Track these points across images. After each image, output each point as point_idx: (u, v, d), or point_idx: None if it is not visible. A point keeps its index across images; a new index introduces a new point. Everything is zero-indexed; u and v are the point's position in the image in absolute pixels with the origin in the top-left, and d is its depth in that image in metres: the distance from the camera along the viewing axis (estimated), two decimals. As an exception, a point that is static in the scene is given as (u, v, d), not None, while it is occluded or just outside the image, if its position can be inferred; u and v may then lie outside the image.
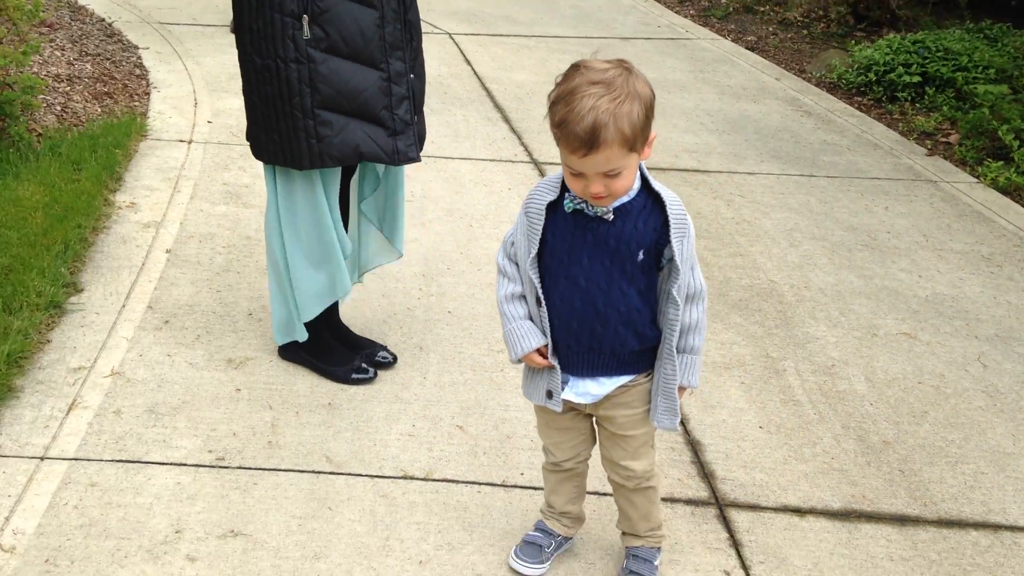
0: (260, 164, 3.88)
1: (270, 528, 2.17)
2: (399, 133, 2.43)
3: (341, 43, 2.30)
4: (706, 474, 2.48)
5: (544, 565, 2.12)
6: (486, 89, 5.33)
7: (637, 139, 1.68)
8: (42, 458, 2.32)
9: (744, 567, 2.18)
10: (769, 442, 2.61)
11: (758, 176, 4.45)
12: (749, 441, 2.61)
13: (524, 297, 1.92)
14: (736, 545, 2.24)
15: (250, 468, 2.35)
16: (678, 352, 1.89)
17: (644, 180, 1.81)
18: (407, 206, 3.78)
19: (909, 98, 5.54)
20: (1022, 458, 2.62)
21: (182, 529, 2.15)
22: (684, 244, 1.80)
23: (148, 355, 2.75)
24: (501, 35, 6.47)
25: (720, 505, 2.37)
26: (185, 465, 2.34)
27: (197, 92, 4.85)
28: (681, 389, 1.92)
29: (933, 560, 2.23)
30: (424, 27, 6.19)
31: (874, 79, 5.69)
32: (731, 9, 7.65)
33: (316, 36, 2.28)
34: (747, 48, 6.74)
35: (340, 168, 2.53)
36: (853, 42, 6.46)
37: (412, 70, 2.45)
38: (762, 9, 7.63)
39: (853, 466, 2.54)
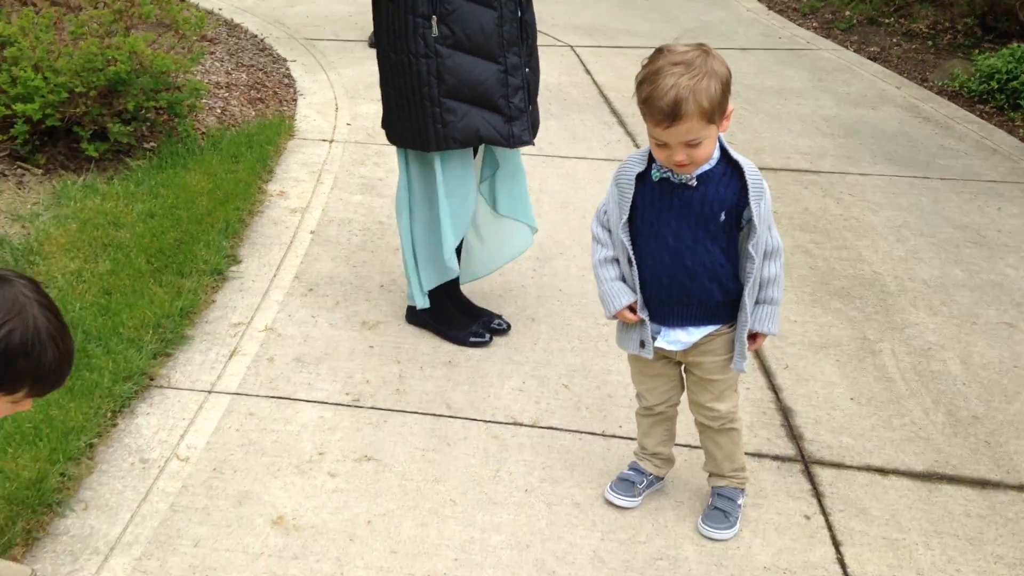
0: (392, 160, 4.28)
1: (397, 456, 2.49)
2: (514, 119, 2.72)
3: (465, 39, 2.62)
4: (794, 436, 2.65)
5: (636, 499, 2.35)
6: (604, 96, 5.60)
7: (715, 112, 1.91)
8: (209, 392, 2.71)
9: (824, 513, 2.35)
10: (859, 412, 2.76)
11: (870, 177, 4.54)
12: (839, 410, 2.77)
13: (616, 260, 2.17)
14: (818, 496, 2.41)
15: (381, 409, 2.68)
16: (759, 303, 2.11)
17: (723, 150, 2.04)
18: (525, 198, 4.10)
19: (1033, 105, 5.48)
20: (1116, 438, 2.67)
21: (324, 452, 2.49)
22: (761, 206, 2.02)
23: (295, 316, 3.14)
24: (621, 47, 6.73)
25: (806, 462, 2.54)
26: (326, 403, 2.69)
27: (338, 99, 5.31)
28: (761, 336, 2.14)
29: (1010, 519, 2.34)
30: (547, 40, 6.56)
31: (996, 87, 5.65)
32: (855, 21, 7.67)
33: (443, 34, 2.60)
34: (869, 58, 6.76)
35: (470, 152, 2.84)
36: (978, 52, 6.40)
37: (528, 64, 2.74)
38: (887, 21, 7.61)
39: (940, 436, 2.66)
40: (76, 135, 3.87)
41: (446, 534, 2.25)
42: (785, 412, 2.75)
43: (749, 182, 2.01)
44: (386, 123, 2.84)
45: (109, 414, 2.56)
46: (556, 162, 4.54)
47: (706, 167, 2.02)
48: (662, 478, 2.41)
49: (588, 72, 6.07)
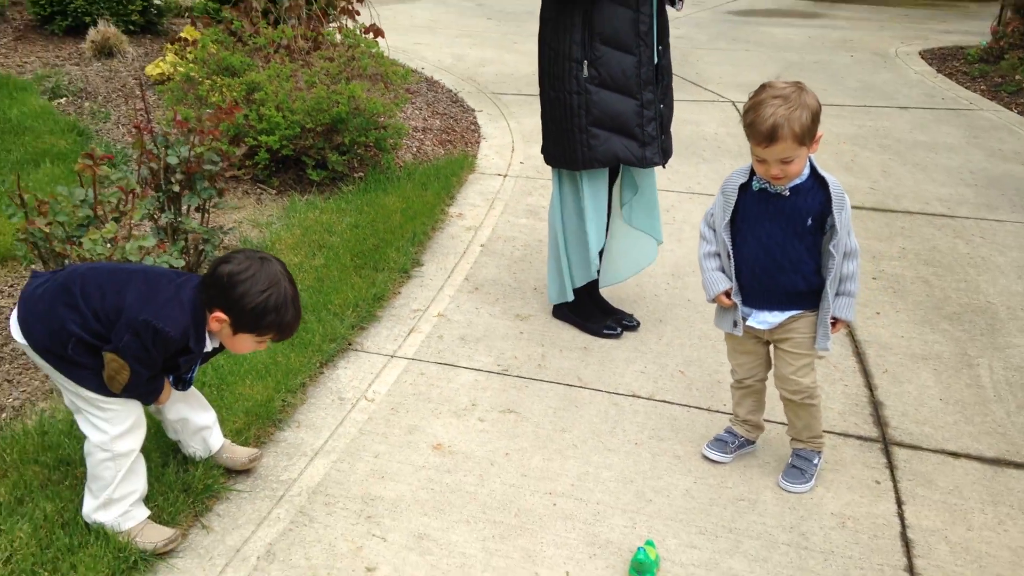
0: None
1: (534, 411, 3.08)
2: (647, 144, 3.30)
3: (609, 79, 3.23)
4: (880, 423, 3.02)
5: (728, 456, 2.81)
6: (756, 146, 6.05)
7: (805, 136, 2.41)
8: (392, 356, 3.42)
9: (894, 480, 2.72)
10: (945, 410, 3.09)
11: (1005, 223, 4.76)
12: (927, 407, 3.11)
13: (717, 254, 2.69)
14: (891, 468, 2.78)
15: (524, 377, 3.29)
16: (838, 295, 2.56)
17: (812, 168, 2.53)
18: (669, 228, 4.64)
19: None
20: None
21: (476, 404, 3.12)
22: (842, 214, 2.48)
23: (463, 307, 3.81)
24: (780, 104, 7.14)
25: (886, 443, 2.91)
26: (481, 370, 3.33)
27: (515, 142, 6.08)
28: (841, 322, 2.58)
29: (1066, 498, 2.62)
30: (710, 96, 7.12)
31: None
32: (1025, 83, 7.72)
33: (591, 75, 3.23)
34: (1033, 118, 6.85)
35: (607, 173, 3.43)
36: None
37: (662, 101, 3.32)
38: (1059, 82, 7.62)
39: (1017, 433, 2.95)
40: (303, 163, 4.78)
41: (566, 467, 2.80)
42: (876, 405, 3.12)
43: (832, 194, 2.49)
44: (544, 148, 3.49)
45: (318, 364, 3.30)
46: (701, 199, 5.05)
47: (797, 181, 2.51)
48: (753, 442, 2.86)
49: (744, 125, 6.54)
